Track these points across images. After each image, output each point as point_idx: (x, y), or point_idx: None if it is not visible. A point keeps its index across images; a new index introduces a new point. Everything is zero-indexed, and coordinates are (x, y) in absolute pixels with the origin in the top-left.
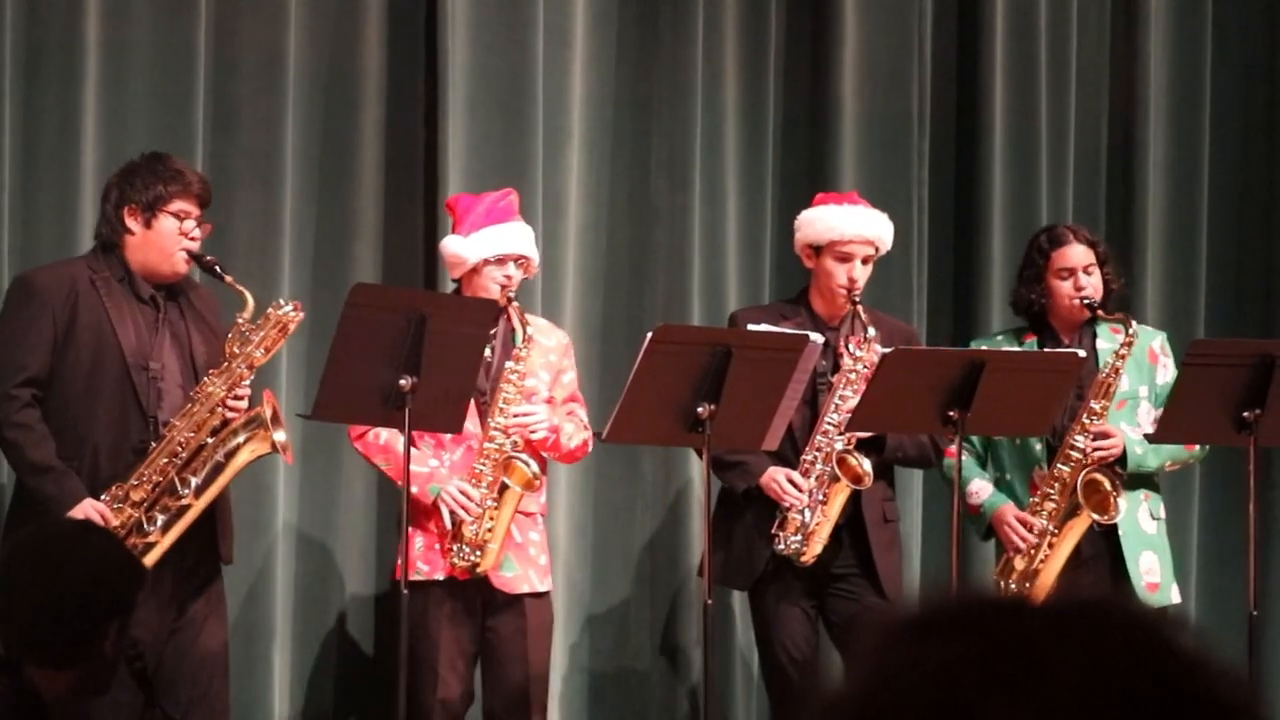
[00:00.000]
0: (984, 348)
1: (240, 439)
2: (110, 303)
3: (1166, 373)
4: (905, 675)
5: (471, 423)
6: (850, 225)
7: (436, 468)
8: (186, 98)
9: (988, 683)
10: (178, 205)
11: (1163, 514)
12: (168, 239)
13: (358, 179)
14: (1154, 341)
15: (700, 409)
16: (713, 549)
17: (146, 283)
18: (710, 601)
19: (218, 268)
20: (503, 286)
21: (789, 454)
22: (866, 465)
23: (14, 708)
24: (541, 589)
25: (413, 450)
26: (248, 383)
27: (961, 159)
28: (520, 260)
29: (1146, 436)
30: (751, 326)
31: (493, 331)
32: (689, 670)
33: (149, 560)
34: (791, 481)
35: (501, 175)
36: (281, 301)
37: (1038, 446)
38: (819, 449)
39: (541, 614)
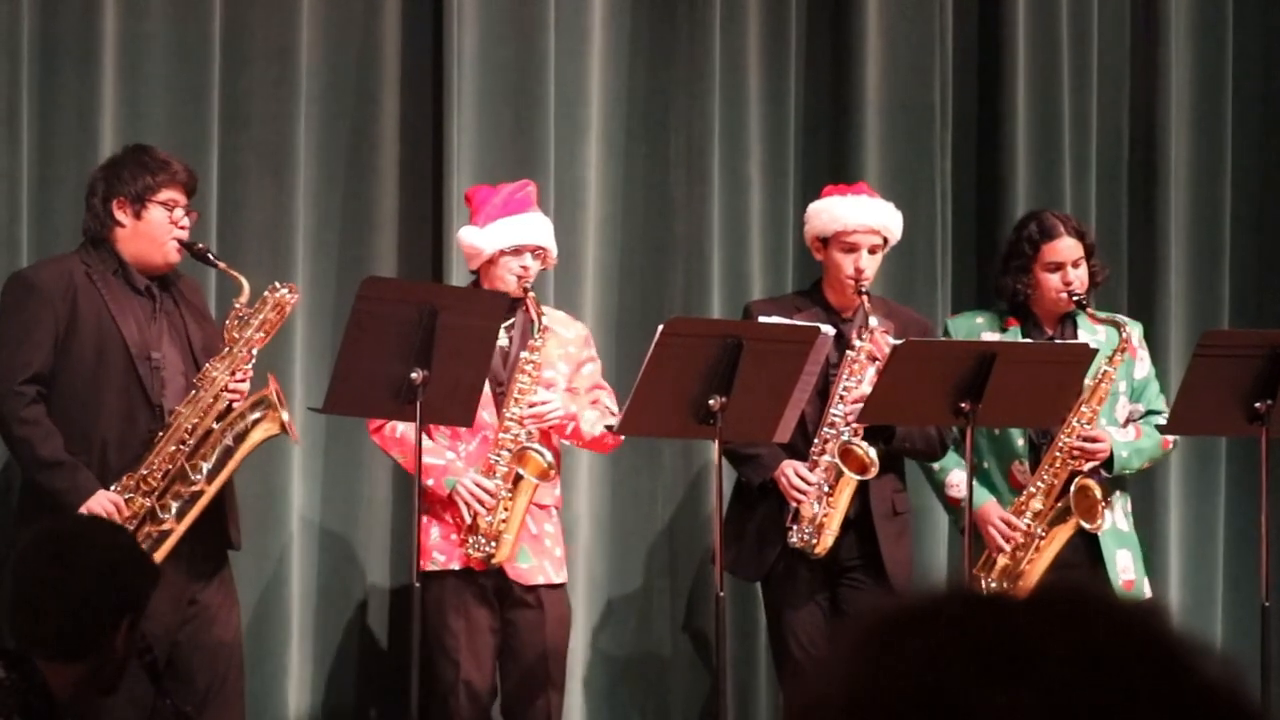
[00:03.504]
0: (957, 332)
1: (249, 420)
2: (109, 295)
3: (1144, 366)
4: (887, 671)
5: (486, 413)
6: (855, 216)
7: (452, 460)
8: (201, 90)
9: (974, 673)
10: (166, 195)
11: (1130, 509)
12: (159, 229)
13: (371, 171)
14: (1132, 335)
15: (712, 401)
16: (726, 541)
17: (140, 274)
18: (722, 593)
19: (210, 255)
20: (519, 278)
21: (800, 445)
22: (872, 454)
23: (23, 701)
24: (557, 580)
25: (429, 442)
26: (249, 366)
27: (984, 150)
28: (537, 251)
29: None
30: (763, 318)
31: (511, 321)
32: (710, 658)
33: (165, 548)
34: (800, 476)
35: (513, 168)
36: (277, 285)
37: (1019, 440)
38: (825, 440)
39: (558, 606)
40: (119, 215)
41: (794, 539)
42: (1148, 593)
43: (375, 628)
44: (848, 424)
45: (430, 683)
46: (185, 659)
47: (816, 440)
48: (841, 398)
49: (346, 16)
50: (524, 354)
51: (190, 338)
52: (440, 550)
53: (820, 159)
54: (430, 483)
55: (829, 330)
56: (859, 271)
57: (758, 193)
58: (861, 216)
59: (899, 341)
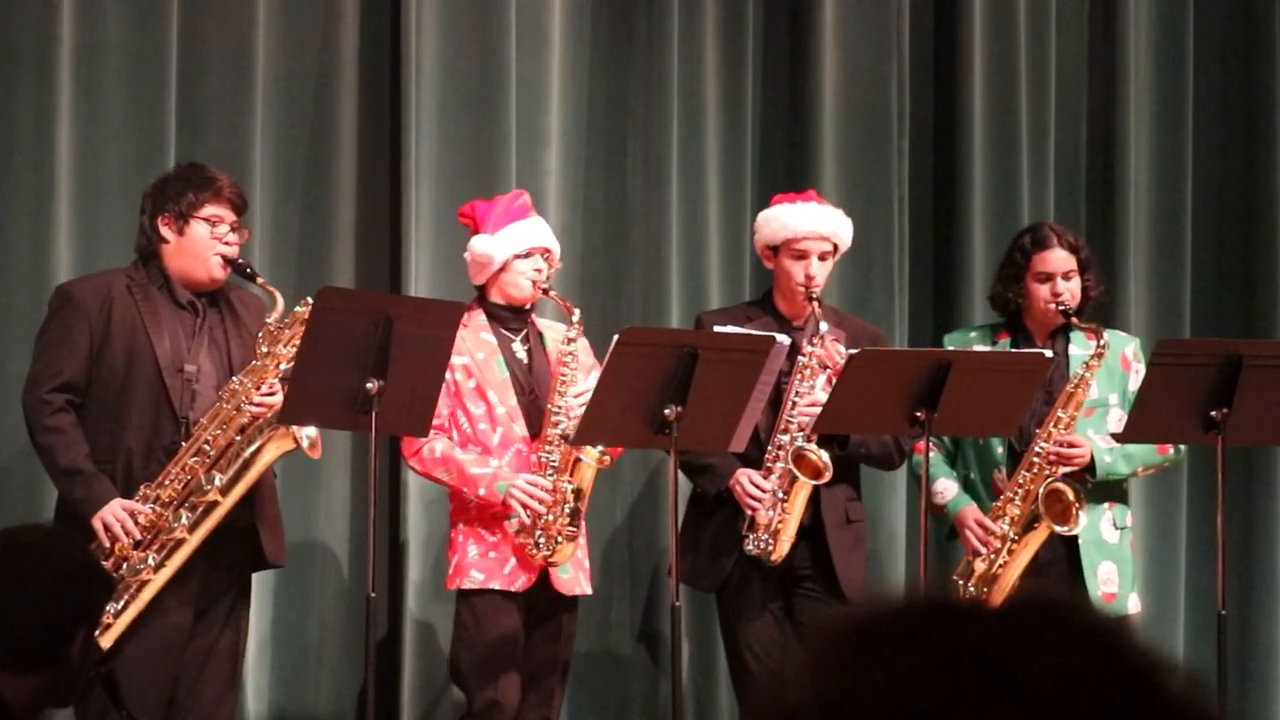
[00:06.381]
0: (952, 348)
1: (264, 436)
2: (146, 309)
3: (1139, 379)
4: (867, 686)
5: (518, 425)
6: (804, 222)
7: (498, 466)
8: (158, 99)
9: (955, 692)
10: (209, 211)
11: (1128, 523)
12: (201, 245)
13: (329, 181)
14: (1127, 348)
15: (667, 411)
16: (682, 551)
17: (185, 289)
18: (678, 603)
19: (249, 269)
20: (534, 281)
21: (754, 455)
22: (826, 458)
23: None
24: (588, 591)
25: (465, 454)
26: (274, 381)
27: (941, 156)
28: (545, 254)
29: (1114, 436)
30: (718, 328)
31: (524, 333)
32: (669, 667)
33: (179, 558)
34: (754, 483)
35: (473, 178)
36: (309, 300)
37: (999, 449)
38: (779, 447)
39: (575, 620)
40: (164, 231)
41: (750, 547)
42: (1134, 607)
43: (338, 644)
44: (801, 430)
45: (467, 700)
46: (187, 670)
47: (770, 447)
48: (794, 403)
49: (304, 25)
50: (563, 347)
51: (230, 354)
52: (479, 569)
53: (778, 166)
54: (482, 491)
55: (784, 340)
56: (809, 278)
57: (716, 200)
58: (811, 223)
59: (854, 351)
